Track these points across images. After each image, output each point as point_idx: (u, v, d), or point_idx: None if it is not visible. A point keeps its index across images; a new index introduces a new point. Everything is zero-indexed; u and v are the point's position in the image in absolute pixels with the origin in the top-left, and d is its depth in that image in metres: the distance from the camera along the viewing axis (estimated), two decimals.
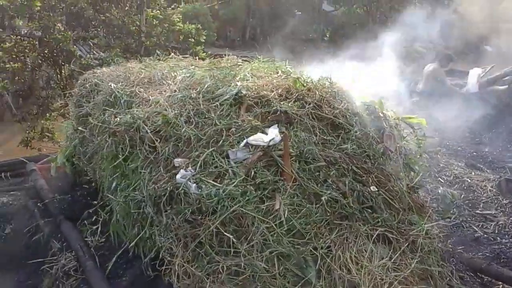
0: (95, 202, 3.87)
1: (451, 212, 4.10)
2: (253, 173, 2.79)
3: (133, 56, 8.15)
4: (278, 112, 3.13)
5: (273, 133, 2.94)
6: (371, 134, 3.24)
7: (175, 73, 3.57)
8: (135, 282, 3.12)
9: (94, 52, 8.58)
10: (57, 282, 3.55)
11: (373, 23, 20.99)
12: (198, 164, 2.76)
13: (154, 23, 8.33)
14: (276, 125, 3.08)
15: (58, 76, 7.85)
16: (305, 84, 3.37)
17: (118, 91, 3.25)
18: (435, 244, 3.07)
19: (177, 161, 2.80)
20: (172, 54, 4.43)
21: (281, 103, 3.17)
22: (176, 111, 2.99)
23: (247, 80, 3.43)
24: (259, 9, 25.71)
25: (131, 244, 3.04)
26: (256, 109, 3.18)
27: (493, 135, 7.17)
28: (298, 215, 2.71)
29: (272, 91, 3.33)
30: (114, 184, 3.11)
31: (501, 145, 6.79)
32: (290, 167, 2.86)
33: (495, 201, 4.85)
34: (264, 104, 3.21)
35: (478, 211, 4.61)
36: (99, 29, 8.38)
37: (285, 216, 2.63)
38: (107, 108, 3.23)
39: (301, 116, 3.14)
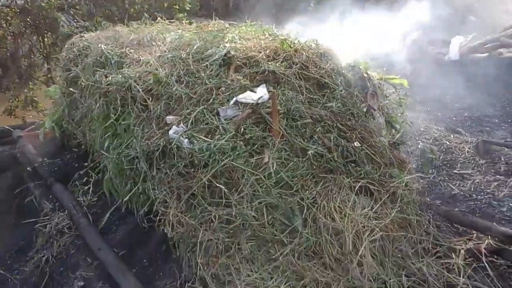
0: (86, 164, 3.96)
1: (431, 169, 4.29)
2: (242, 129, 2.91)
3: (116, 24, 8.05)
4: (266, 72, 3.23)
5: (261, 92, 3.05)
6: (355, 93, 3.38)
7: (164, 36, 3.63)
8: (129, 236, 3.25)
9: (76, 20, 8.47)
10: (51, 240, 3.68)
11: None
12: (190, 121, 2.87)
13: None
14: (264, 84, 3.18)
15: (41, 44, 7.74)
16: (292, 46, 3.46)
17: (108, 52, 3.30)
18: (414, 196, 3.27)
19: (169, 118, 2.90)
20: (159, 19, 4.45)
21: (269, 63, 3.27)
22: (167, 71, 3.07)
23: (235, 42, 3.51)
24: None
25: (125, 200, 3.16)
26: (244, 69, 3.28)
27: (473, 100, 7.35)
28: (285, 168, 2.86)
29: (260, 52, 3.42)
30: (106, 144, 3.20)
31: (480, 110, 6.99)
32: (278, 124, 2.99)
33: (472, 162, 5.04)
34: (253, 64, 3.30)
35: (455, 171, 4.80)
36: None
37: (274, 169, 2.77)
38: (97, 69, 3.29)
39: (288, 76, 3.25)
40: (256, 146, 2.88)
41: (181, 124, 2.84)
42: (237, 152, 2.79)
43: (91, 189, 3.79)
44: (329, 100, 3.27)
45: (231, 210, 2.70)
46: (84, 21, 8.19)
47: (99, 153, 3.51)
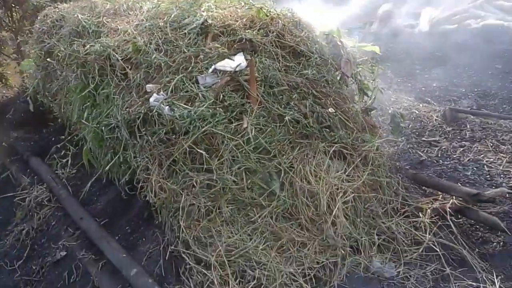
0: (62, 137, 3.96)
1: (401, 135, 4.45)
2: (221, 96, 2.98)
3: None
4: (244, 40, 3.28)
5: (239, 60, 3.11)
6: (329, 60, 3.47)
7: (140, 4, 3.61)
8: (110, 205, 3.30)
9: None
10: (31, 213, 3.70)
11: None
12: (170, 89, 2.91)
13: None
14: (242, 52, 3.23)
15: (9, 18, 7.47)
16: (268, 14, 3.50)
17: (85, 22, 3.28)
18: (384, 159, 3.43)
19: (149, 86, 2.93)
20: None
21: (246, 31, 3.31)
22: (145, 40, 3.08)
23: (211, 10, 3.53)
24: None
25: (105, 169, 3.20)
26: (222, 38, 3.31)
27: (441, 71, 7.55)
28: (264, 134, 2.96)
29: (237, 21, 3.45)
30: (85, 114, 3.21)
31: (448, 80, 7.21)
32: (256, 91, 3.06)
33: (440, 129, 5.24)
34: (230, 33, 3.34)
35: (424, 138, 4.99)
36: None
37: (252, 134, 2.86)
38: (75, 39, 3.27)
39: (265, 44, 3.31)
40: (235, 113, 2.96)
41: (161, 92, 2.88)
42: (216, 119, 2.86)
43: (69, 161, 3.79)
44: (305, 68, 3.35)
45: (212, 175, 2.80)
46: None
47: (77, 124, 3.51)
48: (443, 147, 4.70)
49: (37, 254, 3.29)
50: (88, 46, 3.12)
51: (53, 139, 4.28)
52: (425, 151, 4.67)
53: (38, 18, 4.41)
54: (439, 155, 4.56)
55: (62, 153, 3.89)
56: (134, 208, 3.08)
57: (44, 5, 7.58)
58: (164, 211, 2.81)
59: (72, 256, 3.10)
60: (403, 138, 4.73)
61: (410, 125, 5.31)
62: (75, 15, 3.43)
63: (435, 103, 6.36)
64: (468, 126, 5.20)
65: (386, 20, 9.50)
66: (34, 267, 3.21)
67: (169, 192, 2.75)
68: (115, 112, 2.95)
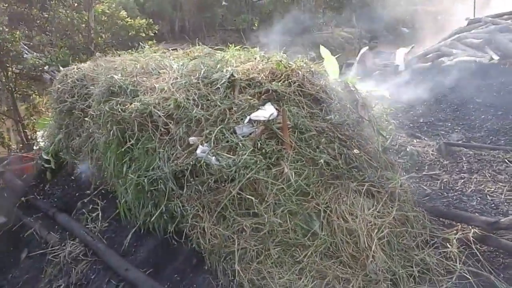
0: (88, 191, 4.04)
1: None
2: (259, 144, 3.18)
3: (83, 54, 8.12)
4: (270, 91, 3.52)
5: (270, 109, 3.34)
6: (348, 105, 3.74)
7: (168, 63, 3.84)
8: (152, 255, 3.38)
9: (37, 52, 8.39)
10: (65, 269, 3.71)
11: (300, 11, 21.88)
12: (212, 140, 3.10)
13: (102, 18, 8.28)
14: (269, 102, 3.47)
15: (5, 78, 7.58)
16: (286, 66, 3.78)
17: (121, 81, 3.46)
18: (409, 194, 3.67)
19: (192, 139, 3.12)
20: (147, 47, 4.65)
21: (272, 83, 3.57)
22: (183, 96, 3.28)
23: (234, 65, 3.78)
24: (186, 0, 25.74)
25: (146, 221, 3.30)
26: (248, 90, 3.55)
27: (425, 107, 7.98)
28: (301, 177, 3.15)
29: (259, 74, 3.71)
30: (124, 168, 3.34)
31: (433, 116, 7.61)
32: (288, 137, 3.28)
33: (438, 163, 5.51)
34: (255, 85, 3.59)
35: (424, 172, 5.26)
36: (44, 27, 8.18)
37: (293, 178, 3.06)
38: (112, 98, 3.44)
39: (289, 94, 3.56)
40: (273, 159, 3.16)
41: (205, 144, 3.07)
42: (258, 166, 3.05)
43: (100, 215, 3.86)
44: (327, 113, 3.60)
45: (259, 219, 2.95)
46: (47, 52, 8.14)
47: (111, 179, 3.62)
48: (445, 180, 4.91)
49: None
50: (129, 104, 3.28)
51: (77, 194, 4.33)
52: (428, 185, 4.89)
53: (57, 78, 4.56)
54: (442, 188, 4.76)
55: (90, 207, 3.95)
56: (180, 256, 3.17)
57: (38, 63, 7.81)
58: (214, 257, 2.93)
59: None
60: (404, 173, 5.00)
61: (408, 161, 5.58)
62: (109, 76, 3.61)
63: (426, 139, 6.69)
64: (464, 159, 5.47)
65: (364, 61, 10.01)
66: None
67: (220, 237, 2.88)
68: (161, 165, 3.09)
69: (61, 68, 8.22)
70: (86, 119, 3.65)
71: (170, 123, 3.17)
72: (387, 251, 3.24)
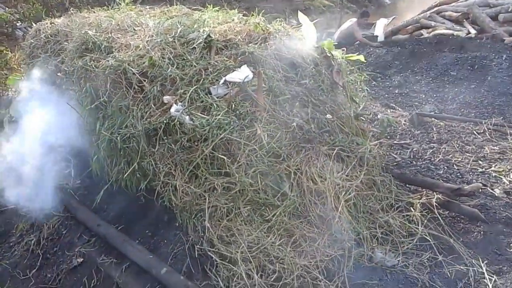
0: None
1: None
2: (233, 106, 3.21)
3: (57, 11, 7.86)
4: (246, 54, 3.52)
5: (246, 71, 3.35)
6: (323, 71, 3.78)
7: (143, 20, 3.78)
8: (125, 211, 3.42)
9: (9, 7, 8.09)
10: (36, 224, 3.73)
11: None
12: (186, 100, 3.11)
13: None
14: (245, 64, 3.48)
15: None
16: (264, 29, 3.78)
17: (96, 37, 3.40)
18: (377, 160, 3.78)
19: (166, 98, 3.12)
20: (123, 4, 4.54)
21: (248, 45, 3.56)
22: (158, 54, 3.26)
23: (211, 25, 3.75)
24: None
25: (119, 178, 3.33)
26: (225, 51, 3.55)
27: (401, 78, 8.09)
28: (273, 140, 3.21)
29: (236, 35, 3.70)
30: (98, 126, 3.33)
31: (408, 87, 7.74)
32: (263, 100, 3.32)
33: (409, 133, 5.67)
34: (232, 46, 3.58)
35: (396, 141, 5.41)
36: None
37: (265, 140, 3.11)
38: (86, 54, 3.38)
39: (265, 57, 3.57)
40: (247, 120, 3.19)
41: (179, 103, 3.07)
42: (231, 126, 3.09)
43: (72, 172, 3.86)
44: (302, 78, 3.64)
45: (230, 178, 3.01)
46: (18, 7, 7.86)
47: (84, 136, 3.61)
48: (414, 149, 5.08)
49: (51, 263, 3.35)
50: (103, 61, 3.24)
51: None
52: (398, 153, 5.05)
53: (30, 32, 4.43)
54: (412, 157, 4.93)
55: (62, 165, 3.94)
56: (151, 213, 3.22)
57: (12, 18, 7.55)
58: (185, 214, 2.99)
59: (90, 262, 3.19)
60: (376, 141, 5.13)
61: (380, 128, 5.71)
62: (83, 31, 3.54)
63: (400, 109, 6.83)
64: (434, 129, 5.64)
65: (346, 33, 9.98)
66: (49, 275, 3.27)
67: (192, 195, 2.94)
68: (134, 123, 3.10)
69: (33, 24, 8.00)
70: (58, 74, 3.59)
71: (145, 81, 3.16)
72: (353, 212, 3.37)
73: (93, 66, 3.29)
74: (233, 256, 2.85)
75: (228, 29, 3.79)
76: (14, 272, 3.39)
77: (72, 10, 4.77)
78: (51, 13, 7.90)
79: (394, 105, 7.09)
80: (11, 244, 3.73)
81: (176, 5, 4.70)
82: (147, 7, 4.68)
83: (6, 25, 7.44)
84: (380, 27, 10.53)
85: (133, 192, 3.33)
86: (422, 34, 9.82)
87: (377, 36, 10.29)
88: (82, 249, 3.29)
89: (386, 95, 7.65)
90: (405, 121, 6.07)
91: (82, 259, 3.26)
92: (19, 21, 7.67)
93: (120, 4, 4.37)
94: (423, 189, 3.92)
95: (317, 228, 3.22)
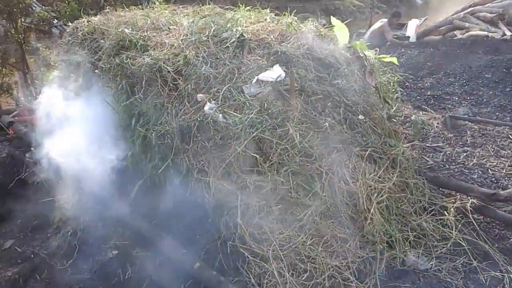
0: None
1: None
2: (265, 105, 3.22)
3: (92, 9, 8.04)
4: (279, 53, 3.54)
5: (278, 71, 3.36)
6: (355, 71, 3.75)
7: (178, 19, 3.84)
8: (157, 207, 3.46)
9: (45, 5, 8.32)
10: (74, 216, 3.82)
11: None
12: (219, 98, 3.14)
13: None
14: (277, 64, 3.49)
15: (15, 30, 7.55)
16: (297, 29, 3.78)
17: (132, 36, 3.48)
18: (410, 162, 3.73)
19: (200, 96, 3.16)
20: (157, 3, 4.62)
21: (281, 45, 3.58)
22: (192, 53, 3.31)
23: (244, 25, 3.78)
24: None
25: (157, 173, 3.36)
26: (257, 50, 3.57)
27: (433, 80, 7.93)
28: (305, 139, 3.21)
29: (269, 35, 3.71)
30: (133, 122, 3.39)
31: (441, 89, 7.58)
32: (295, 99, 3.32)
33: (442, 136, 5.56)
34: (264, 46, 3.60)
35: (428, 144, 5.31)
36: None
37: (297, 139, 3.12)
38: (122, 52, 3.46)
39: (297, 56, 3.57)
40: (279, 119, 3.21)
41: (213, 101, 3.11)
42: (263, 125, 3.11)
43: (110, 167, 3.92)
44: (334, 78, 3.63)
45: (263, 177, 3.03)
46: (54, 6, 8.08)
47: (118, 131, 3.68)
48: (447, 152, 4.97)
49: (87, 254, 3.42)
50: (139, 59, 3.31)
51: None
52: (430, 156, 4.95)
53: (67, 30, 4.55)
54: (445, 160, 4.82)
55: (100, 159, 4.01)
56: (184, 209, 3.25)
57: (49, 16, 7.77)
58: (218, 210, 3.03)
59: (125, 255, 3.26)
60: (408, 144, 5.05)
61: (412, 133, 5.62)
62: (119, 29, 3.62)
63: (432, 111, 6.70)
64: (468, 133, 5.51)
65: (378, 33, 9.87)
66: (85, 266, 3.34)
67: (225, 192, 2.97)
68: (169, 120, 3.15)
69: (69, 22, 8.21)
70: (96, 71, 3.68)
71: (179, 79, 3.21)
72: (385, 215, 3.33)
73: (129, 63, 3.35)
74: (264, 254, 2.87)
75: (260, 28, 3.81)
76: (51, 262, 3.48)
77: (107, 8, 4.87)
78: (86, 11, 8.10)
79: (426, 107, 6.95)
80: (48, 234, 3.84)
81: (208, 4, 4.74)
82: (180, 6, 4.75)
83: (44, 23, 7.66)
84: (412, 28, 10.35)
85: (166, 188, 3.37)
86: (455, 35, 9.60)
87: (408, 37, 10.12)
88: (117, 242, 3.36)
89: (418, 97, 7.49)
90: (437, 123, 5.94)
91: (116, 252, 3.33)
92: (55, 19, 7.89)
93: (154, 3, 4.44)
94: (457, 193, 3.85)
95: (349, 229, 3.21)
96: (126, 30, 3.54)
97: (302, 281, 2.86)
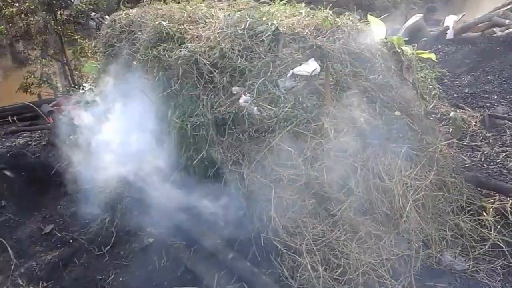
0: None
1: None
2: (300, 99, 3.20)
3: (128, 2, 8.18)
4: (314, 47, 3.51)
5: (313, 65, 3.33)
6: (392, 67, 3.68)
7: (214, 13, 3.86)
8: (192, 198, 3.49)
9: None
10: (110, 205, 3.91)
11: None
12: (254, 91, 3.14)
13: None
14: (313, 58, 3.46)
15: (54, 22, 7.78)
16: (332, 23, 3.73)
17: (170, 29, 3.52)
18: (448, 160, 3.64)
19: (235, 89, 3.18)
20: None
21: (316, 39, 3.54)
22: (228, 46, 3.32)
23: (279, 19, 3.76)
24: None
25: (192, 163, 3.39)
26: (293, 44, 3.54)
27: (471, 77, 7.71)
28: (340, 134, 3.18)
29: (304, 29, 3.68)
30: (169, 113, 3.44)
31: (479, 87, 7.37)
32: (330, 94, 3.29)
33: (480, 135, 5.40)
34: (300, 40, 3.57)
35: (465, 143, 5.16)
36: None
37: (332, 134, 3.09)
38: (160, 44, 3.51)
39: (333, 51, 3.53)
40: (313, 114, 3.18)
41: (248, 94, 3.12)
42: (298, 119, 3.09)
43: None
44: (370, 73, 3.56)
45: (297, 170, 3.02)
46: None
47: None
48: (486, 152, 4.82)
49: (124, 241, 3.51)
50: (176, 51, 3.35)
51: None
52: (468, 155, 4.82)
53: (105, 23, 4.65)
54: (483, 159, 4.67)
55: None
56: (218, 200, 3.27)
57: (85, 9, 7.97)
58: (251, 202, 3.03)
59: (160, 243, 3.31)
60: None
61: (451, 130, 5.48)
62: (157, 22, 3.67)
63: (469, 110, 6.51)
64: (507, 132, 5.32)
65: (413, 29, 9.66)
66: (122, 252, 3.44)
67: (259, 185, 2.97)
68: (204, 112, 3.18)
69: (106, 15, 8.38)
70: (134, 63, 3.74)
71: (215, 71, 3.23)
72: (421, 213, 3.26)
73: (166, 56, 3.39)
74: (298, 247, 2.86)
75: (296, 22, 3.78)
76: (90, 247, 3.58)
77: (144, 1, 4.93)
78: (122, 4, 8.25)
79: (463, 105, 6.76)
80: (87, 221, 3.94)
81: None
82: (216, 0, 4.76)
83: (82, 15, 7.86)
84: (450, 24, 10.08)
85: (200, 179, 3.40)
86: (494, 32, 9.29)
87: (446, 33, 9.87)
88: (153, 230, 3.41)
89: (455, 95, 7.29)
90: (475, 122, 5.77)
91: (152, 239, 3.39)
92: (92, 12, 8.09)
93: None
94: (496, 194, 3.73)
95: (383, 226, 3.15)
96: (164, 23, 3.58)
97: (336, 276, 2.83)
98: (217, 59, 3.27)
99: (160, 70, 3.53)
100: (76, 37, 7.98)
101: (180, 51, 3.32)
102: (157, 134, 3.52)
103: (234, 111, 3.06)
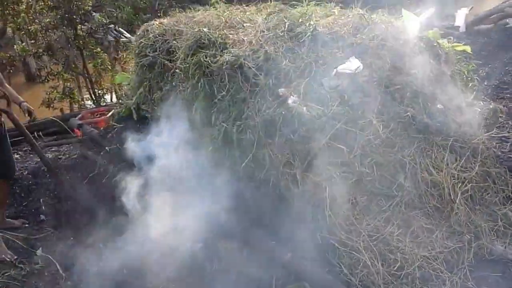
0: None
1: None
2: (345, 97, 3.24)
3: (145, 14, 8.29)
4: (354, 45, 3.54)
5: (356, 63, 3.36)
6: (430, 60, 3.71)
7: (252, 17, 3.91)
8: (239, 200, 3.51)
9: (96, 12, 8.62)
10: None
11: None
12: (301, 92, 3.18)
13: None
14: (353, 56, 3.49)
15: (75, 36, 7.86)
16: (369, 20, 3.77)
17: (211, 35, 3.56)
18: (491, 151, 3.66)
19: (282, 90, 3.22)
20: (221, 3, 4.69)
21: (355, 37, 3.58)
22: (271, 48, 3.36)
23: (316, 20, 3.80)
24: None
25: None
26: (332, 43, 3.58)
27: (489, 69, 7.69)
28: (388, 130, 3.21)
29: (341, 28, 3.72)
30: (213, 119, 3.47)
31: (498, 78, 7.35)
32: (373, 90, 3.32)
33: (507, 125, 5.39)
34: (338, 38, 3.60)
35: (493, 134, 5.16)
36: None
37: (381, 130, 3.12)
38: (200, 51, 3.55)
39: (372, 48, 3.56)
40: (360, 111, 3.21)
41: (294, 95, 3.16)
42: (346, 117, 3.12)
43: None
44: (411, 68, 3.59)
45: (348, 168, 3.05)
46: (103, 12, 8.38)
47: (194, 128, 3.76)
48: None
49: (171, 246, 3.52)
50: (219, 57, 3.39)
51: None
52: (497, 147, 4.80)
53: (138, 33, 4.70)
54: None
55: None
56: (269, 201, 3.30)
57: (105, 22, 8.04)
58: (304, 202, 3.06)
59: (211, 247, 3.34)
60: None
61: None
62: (195, 29, 3.71)
63: (491, 101, 6.49)
64: None
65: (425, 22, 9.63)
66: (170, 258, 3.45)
67: (311, 184, 3.00)
68: (251, 115, 3.22)
69: (121, 30, 8.46)
70: (176, 71, 3.78)
71: (260, 74, 3.26)
72: (470, 204, 3.28)
73: (209, 61, 3.44)
74: (354, 244, 2.89)
75: (332, 21, 3.81)
76: None
77: (171, 11, 4.98)
78: (140, 16, 8.37)
79: (484, 97, 6.73)
80: None
81: (270, 2, 4.78)
82: (244, 5, 4.80)
83: (103, 28, 7.93)
84: (461, 17, 10.04)
85: (249, 182, 3.42)
86: (507, 23, 9.25)
87: (458, 27, 9.83)
88: (203, 235, 3.44)
89: (475, 87, 7.29)
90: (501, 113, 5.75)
91: (201, 244, 3.41)
92: (112, 24, 8.17)
93: (218, 3, 4.51)
94: None
95: (434, 220, 3.18)
96: (205, 29, 3.62)
97: (393, 271, 2.86)
98: (261, 62, 3.30)
99: (201, 77, 3.57)
100: (96, 51, 8.06)
101: (224, 56, 3.36)
102: (201, 140, 3.55)
103: (283, 112, 3.10)
